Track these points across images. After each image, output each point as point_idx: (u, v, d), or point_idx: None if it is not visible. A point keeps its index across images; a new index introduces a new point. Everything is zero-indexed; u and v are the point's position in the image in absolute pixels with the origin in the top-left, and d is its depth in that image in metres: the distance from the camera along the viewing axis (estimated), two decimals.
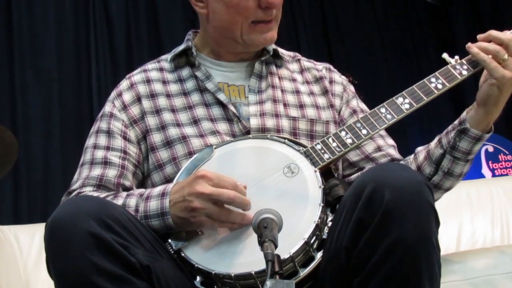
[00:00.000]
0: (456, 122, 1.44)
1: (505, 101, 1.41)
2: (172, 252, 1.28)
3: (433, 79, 1.45)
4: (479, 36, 1.43)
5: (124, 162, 1.48)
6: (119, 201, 1.35)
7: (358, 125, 1.42)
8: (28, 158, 3.72)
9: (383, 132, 1.61)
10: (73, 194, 1.44)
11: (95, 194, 1.41)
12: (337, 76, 1.70)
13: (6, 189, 3.67)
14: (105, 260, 1.11)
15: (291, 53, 1.73)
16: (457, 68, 1.46)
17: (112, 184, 1.45)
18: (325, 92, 1.64)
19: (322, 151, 1.38)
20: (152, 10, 4.31)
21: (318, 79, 1.66)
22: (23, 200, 3.70)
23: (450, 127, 1.46)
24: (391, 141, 1.62)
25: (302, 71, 1.68)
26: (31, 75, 3.89)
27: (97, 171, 1.46)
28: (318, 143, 1.40)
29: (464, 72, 1.45)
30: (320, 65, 1.71)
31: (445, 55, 1.49)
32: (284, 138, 1.43)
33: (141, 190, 1.38)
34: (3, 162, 2.77)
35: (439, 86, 1.44)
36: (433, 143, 1.50)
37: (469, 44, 1.42)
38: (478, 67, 1.45)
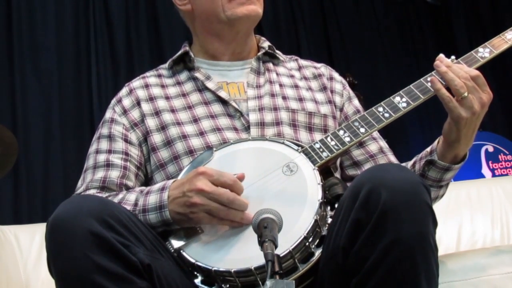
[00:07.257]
0: (428, 149, 1.46)
1: (470, 137, 1.39)
2: (172, 251, 1.28)
3: (430, 79, 1.44)
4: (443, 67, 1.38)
5: (126, 164, 1.50)
6: (118, 196, 1.37)
7: (356, 124, 1.43)
8: (28, 158, 3.72)
9: (382, 144, 1.62)
10: None
11: (99, 195, 1.42)
12: (336, 75, 1.72)
13: (6, 189, 3.66)
14: (106, 259, 1.11)
15: (288, 56, 1.75)
16: None
17: (115, 185, 1.46)
18: (323, 88, 1.66)
19: (321, 150, 1.39)
20: (152, 10, 4.31)
21: (317, 76, 1.69)
22: (23, 200, 3.69)
23: (423, 153, 1.47)
24: (389, 149, 1.64)
25: (299, 68, 1.71)
26: (31, 75, 3.88)
27: (100, 174, 1.49)
28: (317, 142, 1.41)
29: None
30: (319, 64, 1.74)
31: (441, 56, 1.46)
32: (283, 139, 1.44)
33: (142, 187, 1.41)
34: (3, 162, 2.77)
35: None
36: (409, 165, 1.51)
37: (433, 78, 1.39)
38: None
